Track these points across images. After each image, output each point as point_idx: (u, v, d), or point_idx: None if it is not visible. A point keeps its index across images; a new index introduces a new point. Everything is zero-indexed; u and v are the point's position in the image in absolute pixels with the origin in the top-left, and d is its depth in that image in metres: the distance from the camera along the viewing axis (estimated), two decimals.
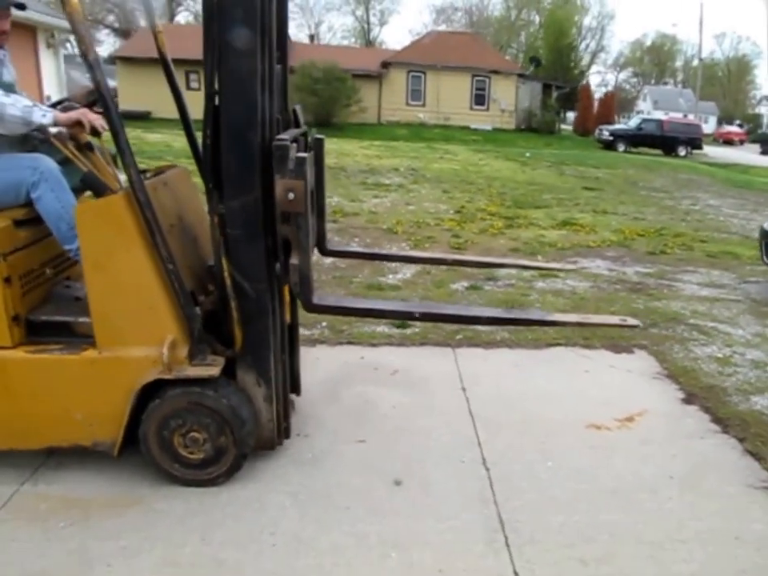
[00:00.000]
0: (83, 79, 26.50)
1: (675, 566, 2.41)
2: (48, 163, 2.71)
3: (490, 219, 8.84)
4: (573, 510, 2.67)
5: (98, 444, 2.70)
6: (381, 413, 3.40)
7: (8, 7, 2.76)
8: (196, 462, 2.71)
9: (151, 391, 2.64)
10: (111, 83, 26.15)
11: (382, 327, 4.56)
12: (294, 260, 2.52)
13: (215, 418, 2.65)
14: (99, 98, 2.51)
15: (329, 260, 6.19)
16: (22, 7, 2.84)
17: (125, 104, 20.51)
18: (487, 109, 29.09)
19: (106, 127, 2.63)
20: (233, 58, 2.44)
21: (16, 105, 2.58)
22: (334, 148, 18.32)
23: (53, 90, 14.70)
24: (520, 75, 30.11)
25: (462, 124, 28.11)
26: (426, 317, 2.84)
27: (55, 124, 2.63)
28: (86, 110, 2.72)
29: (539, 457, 3.05)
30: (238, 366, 2.75)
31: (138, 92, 23.12)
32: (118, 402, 2.61)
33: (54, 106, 3.02)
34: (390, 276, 5.80)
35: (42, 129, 2.68)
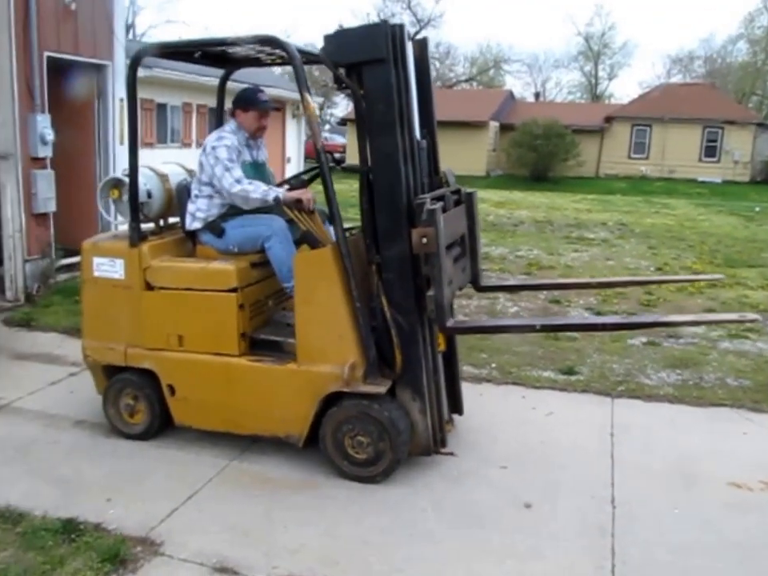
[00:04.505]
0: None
1: None
2: (279, 222, 3.63)
3: None
4: (686, 554, 2.80)
5: (289, 437, 3.50)
6: (528, 445, 3.77)
7: (270, 109, 3.82)
8: (360, 461, 3.37)
9: (332, 401, 3.38)
10: (342, 140, 29.43)
11: (548, 372, 4.89)
12: (430, 292, 3.11)
13: (377, 426, 3.29)
14: (321, 176, 3.36)
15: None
16: (278, 109, 3.88)
17: (351, 159, 23.04)
18: (718, 160, 27.17)
19: (314, 206, 3.47)
20: (379, 141, 3.21)
21: (257, 191, 3.53)
22: (545, 202, 18.63)
23: (293, 150, 18.23)
24: (759, 124, 27.78)
25: (689, 177, 26.55)
26: (547, 328, 3.38)
27: (283, 201, 3.50)
28: (306, 191, 3.53)
29: (668, 504, 3.18)
30: (397, 385, 3.39)
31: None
32: (307, 405, 3.40)
33: (286, 182, 3.96)
34: None
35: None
